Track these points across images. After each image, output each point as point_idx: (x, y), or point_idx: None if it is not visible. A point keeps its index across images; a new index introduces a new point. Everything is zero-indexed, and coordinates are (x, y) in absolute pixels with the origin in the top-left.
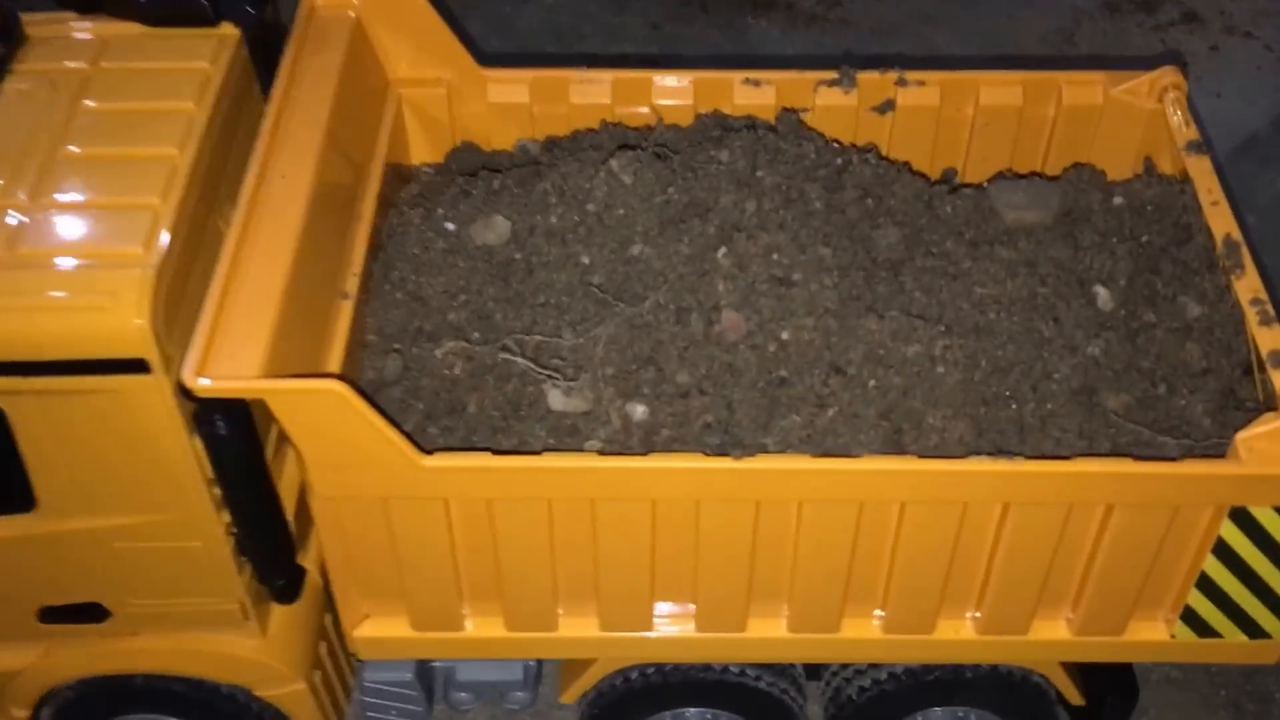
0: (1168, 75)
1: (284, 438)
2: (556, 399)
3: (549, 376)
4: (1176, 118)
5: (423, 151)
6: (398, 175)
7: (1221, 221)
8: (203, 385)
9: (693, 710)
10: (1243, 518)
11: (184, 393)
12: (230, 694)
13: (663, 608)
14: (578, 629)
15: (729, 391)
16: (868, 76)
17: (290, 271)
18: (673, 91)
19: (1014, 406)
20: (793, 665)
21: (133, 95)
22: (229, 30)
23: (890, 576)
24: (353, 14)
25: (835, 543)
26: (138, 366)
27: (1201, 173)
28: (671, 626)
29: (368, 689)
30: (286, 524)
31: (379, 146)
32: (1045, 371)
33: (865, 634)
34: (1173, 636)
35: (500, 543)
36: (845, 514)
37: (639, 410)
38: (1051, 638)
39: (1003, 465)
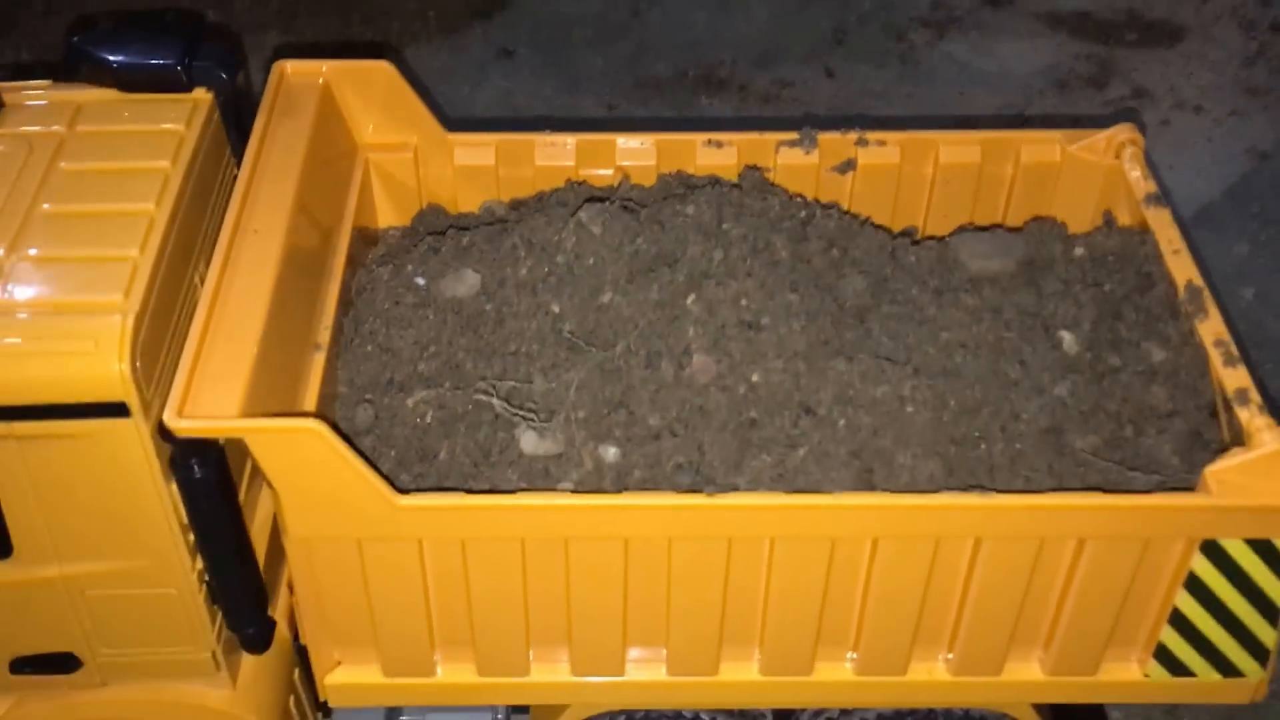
0: (1124, 132)
1: (255, 483)
2: (529, 442)
3: (523, 417)
4: (1135, 173)
5: (390, 215)
6: (365, 238)
7: (1183, 269)
8: (184, 425)
9: None
10: (1214, 551)
11: (163, 434)
12: None
13: (635, 653)
14: (549, 674)
15: (700, 433)
16: (828, 137)
17: (265, 321)
18: (636, 153)
19: (983, 446)
20: (763, 712)
21: (109, 155)
22: (202, 95)
23: (862, 617)
24: (321, 81)
25: (807, 581)
26: (117, 410)
27: (1162, 224)
28: (643, 672)
29: None
30: (258, 571)
31: (347, 209)
32: (1013, 412)
33: (838, 676)
34: (1146, 676)
35: (473, 585)
36: (817, 552)
37: (611, 452)
38: (1024, 679)
39: (975, 499)
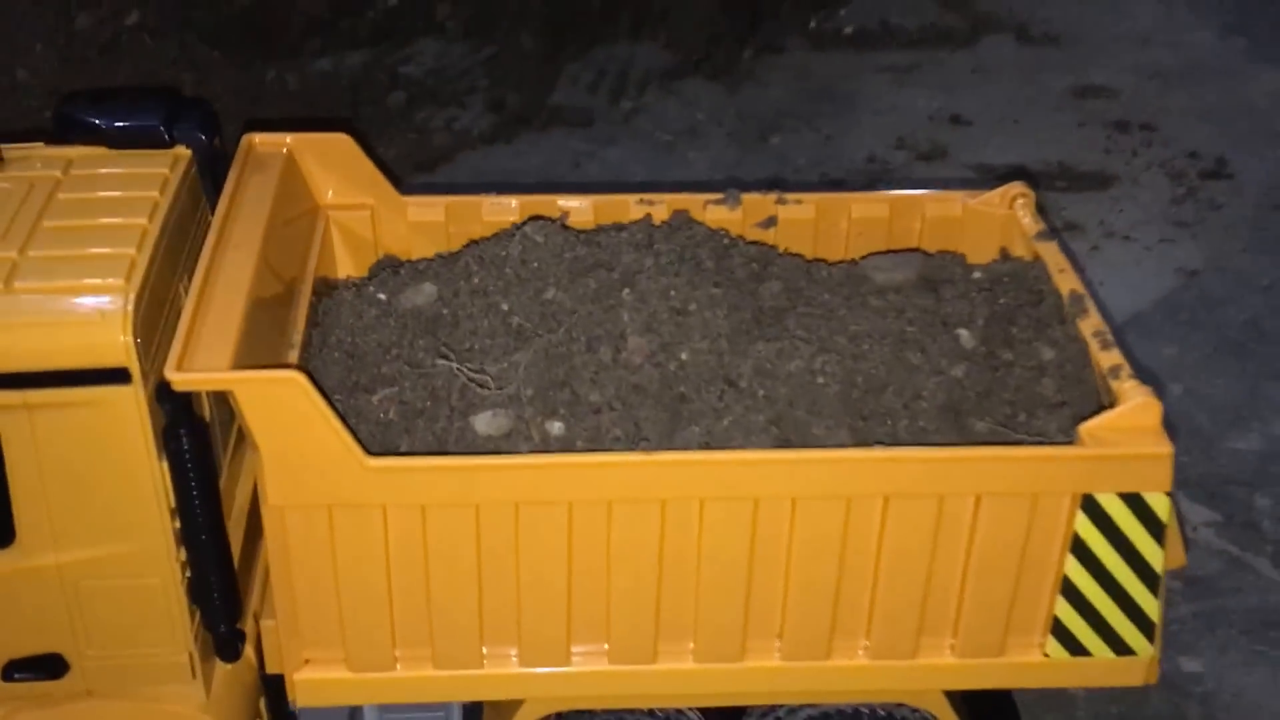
0: (1016, 187)
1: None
2: (483, 422)
3: (478, 383)
4: (1026, 216)
5: (348, 267)
6: (326, 286)
7: (1069, 283)
8: (183, 378)
9: None
10: (1093, 508)
11: (160, 395)
12: None
13: (579, 646)
14: (501, 665)
15: (636, 409)
16: (751, 197)
17: (247, 309)
18: (575, 211)
19: (889, 423)
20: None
21: (104, 188)
22: (182, 151)
23: (786, 594)
24: (285, 150)
25: (733, 550)
26: (120, 377)
27: (1050, 251)
28: (588, 663)
29: None
30: (233, 568)
31: (311, 255)
32: (915, 392)
33: (766, 662)
34: (1046, 655)
35: (431, 559)
36: (741, 514)
37: (556, 427)
38: (937, 662)
39: (880, 453)
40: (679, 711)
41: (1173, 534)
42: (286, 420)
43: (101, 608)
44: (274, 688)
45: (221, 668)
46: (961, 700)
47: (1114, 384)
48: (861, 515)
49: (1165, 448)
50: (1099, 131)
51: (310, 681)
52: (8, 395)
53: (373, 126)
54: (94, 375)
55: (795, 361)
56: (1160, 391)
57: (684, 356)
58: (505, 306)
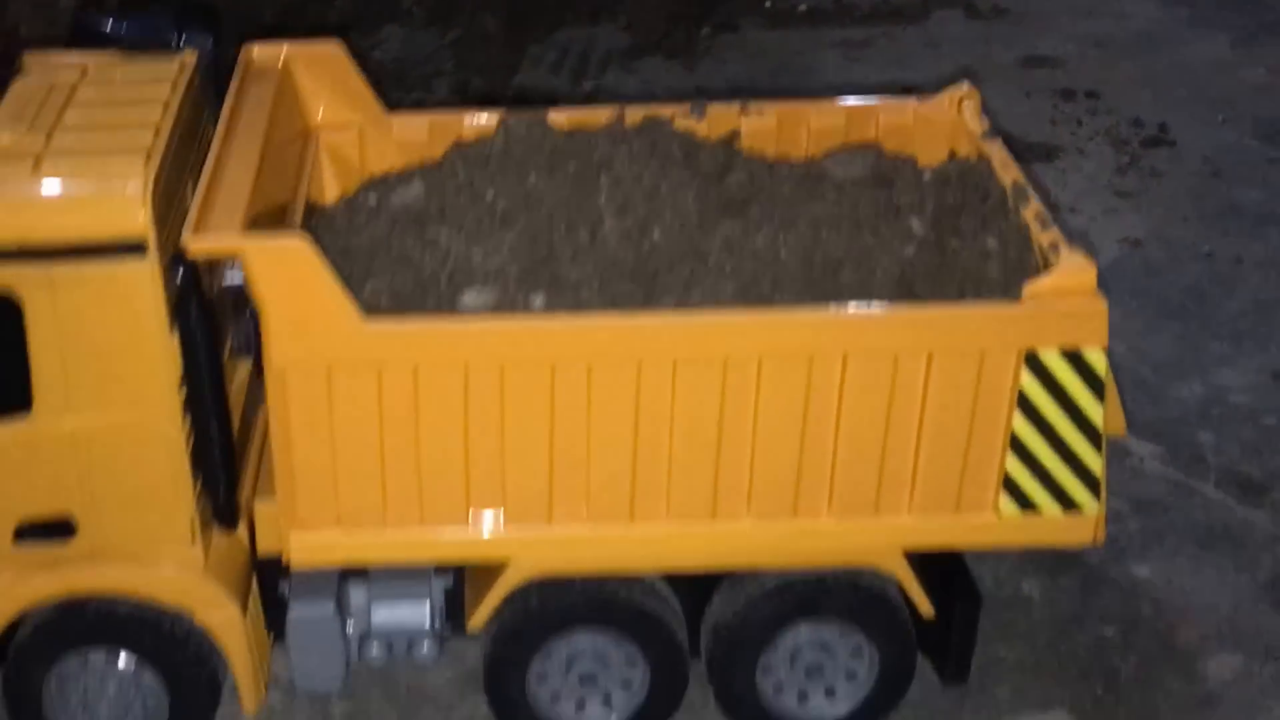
0: (962, 90)
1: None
2: (470, 297)
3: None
4: (971, 117)
5: (334, 193)
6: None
7: (1012, 174)
8: (199, 242)
9: (583, 634)
10: (1035, 365)
11: (175, 262)
12: (172, 623)
13: (560, 507)
14: (485, 527)
15: (612, 284)
16: (716, 108)
17: (253, 192)
18: (553, 121)
19: (846, 296)
20: (671, 597)
21: (119, 87)
22: (189, 56)
23: (753, 452)
24: (282, 60)
25: (705, 411)
26: (137, 250)
27: (996, 149)
28: (569, 524)
29: (292, 624)
30: (234, 436)
31: (302, 178)
32: (870, 269)
33: (737, 523)
34: (999, 512)
35: (422, 417)
36: (711, 376)
37: (539, 300)
38: (897, 521)
39: (840, 313)
40: (653, 585)
41: (1112, 399)
42: (291, 283)
43: (110, 472)
44: (265, 572)
45: (219, 539)
46: (920, 569)
47: (1053, 256)
48: (822, 374)
49: (1100, 305)
50: (1046, 100)
51: (305, 542)
52: (32, 268)
53: None
54: (113, 249)
55: (759, 238)
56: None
57: (656, 235)
58: (490, 195)
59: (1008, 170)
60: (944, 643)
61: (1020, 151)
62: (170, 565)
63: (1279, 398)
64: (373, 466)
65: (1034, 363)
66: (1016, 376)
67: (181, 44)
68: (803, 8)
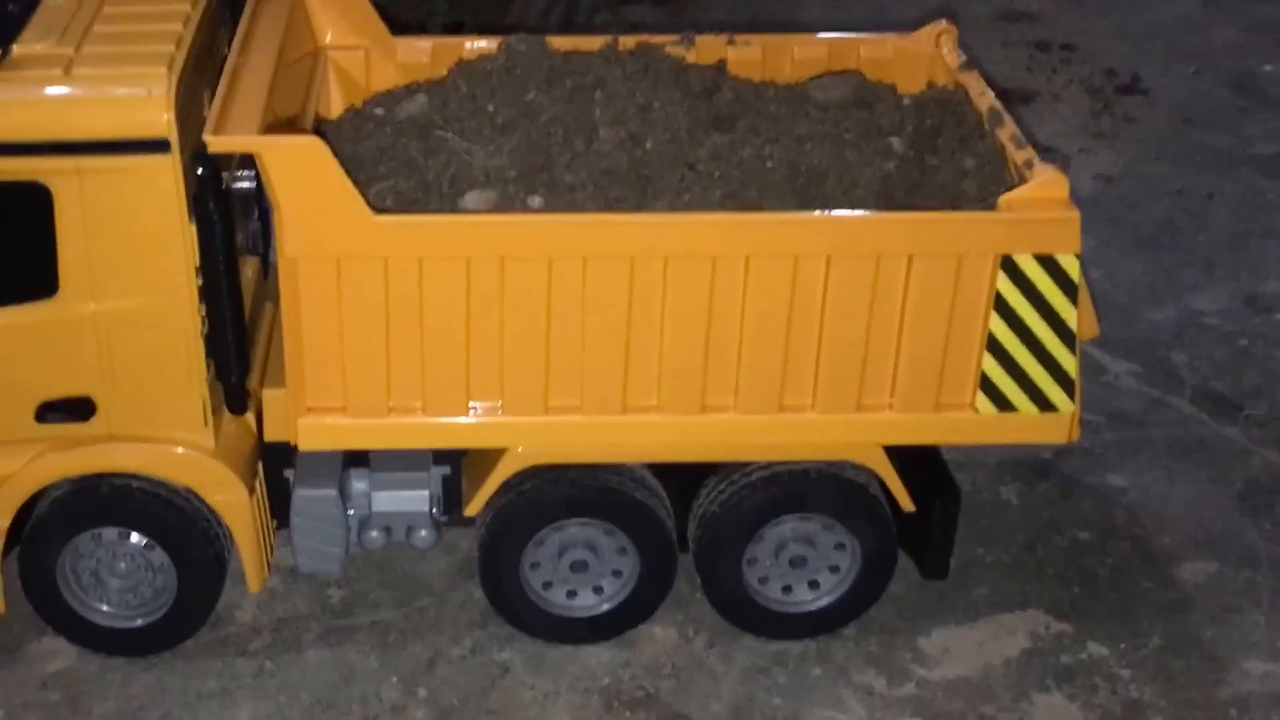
0: (940, 25)
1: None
2: (472, 199)
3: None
4: (949, 51)
5: (341, 109)
6: (322, 120)
7: (988, 102)
8: (219, 140)
9: (575, 522)
10: (1012, 270)
11: (196, 160)
12: (182, 503)
13: (556, 398)
14: (484, 415)
15: (607, 189)
16: (704, 38)
17: (269, 97)
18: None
19: (829, 204)
20: (661, 489)
21: (144, 3)
22: None
23: (741, 348)
24: None
25: (695, 303)
26: (161, 146)
27: (972, 79)
28: (563, 413)
29: (297, 504)
30: (245, 324)
31: (312, 93)
32: (853, 181)
33: (724, 415)
34: (976, 410)
35: (425, 308)
36: (701, 270)
37: (536, 201)
38: (878, 417)
39: (825, 216)
40: (643, 477)
41: (1085, 303)
42: (304, 179)
43: (130, 354)
44: (271, 459)
45: (228, 423)
46: (901, 468)
47: (1026, 171)
48: (807, 274)
49: (1073, 213)
50: (1021, 51)
51: (312, 426)
52: (63, 161)
53: None
54: (138, 145)
55: (746, 150)
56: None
57: (648, 145)
58: (490, 107)
59: (983, 98)
60: (924, 538)
61: (997, 94)
62: (182, 447)
63: (1251, 321)
64: (378, 355)
65: (1010, 267)
66: (993, 280)
67: None
68: None
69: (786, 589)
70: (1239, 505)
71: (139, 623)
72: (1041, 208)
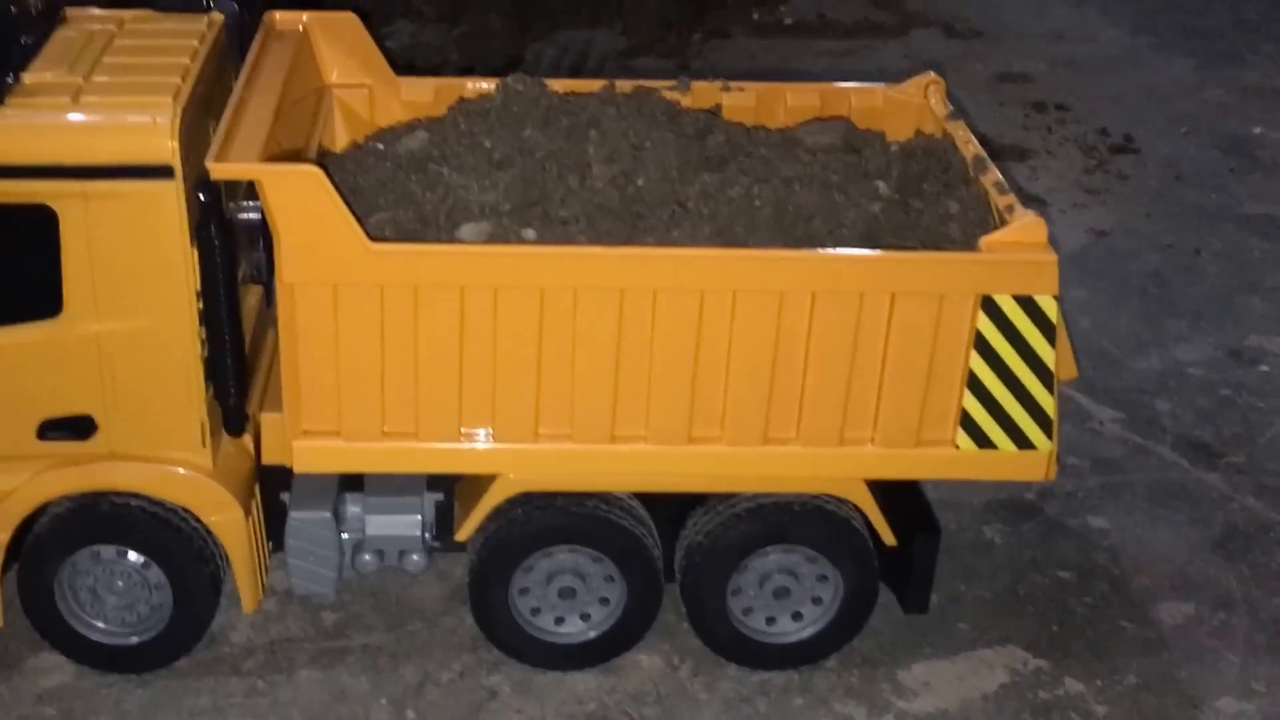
0: (928, 77)
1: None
2: (467, 231)
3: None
4: (937, 102)
5: (344, 143)
6: (326, 153)
7: (973, 150)
8: (221, 167)
9: (563, 549)
10: (991, 308)
11: (198, 188)
12: (179, 522)
13: (546, 426)
14: (476, 441)
15: (599, 223)
16: (700, 84)
17: (271, 128)
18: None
19: (816, 244)
20: (648, 519)
21: (153, 36)
22: (216, 16)
23: (728, 381)
24: (301, 26)
25: (682, 335)
26: (165, 173)
27: (958, 128)
28: (553, 442)
29: (291, 527)
30: (244, 347)
31: (315, 130)
32: (839, 221)
33: (711, 447)
34: (957, 447)
35: (420, 335)
36: (689, 304)
37: (530, 233)
38: (860, 451)
39: (810, 254)
40: (631, 506)
41: (1063, 344)
42: (303, 206)
43: (130, 374)
44: (268, 482)
45: (226, 445)
46: (883, 503)
47: (1009, 216)
48: (792, 309)
49: (1051, 255)
50: (1018, 111)
51: (307, 449)
52: (70, 185)
53: None
54: (143, 171)
55: (736, 189)
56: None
57: (640, 183)
58: (488, 144)
59: (969, 146)
60: (905, 573)
61: (993, 151)
62: (180, 467)
63: (1233, 373)
64: (372, 381)
65: (990, 307)
66: (974, 319)
67: (210, 7)
68: (789, 21)
69: (770, 620)
70: (1217, 549)
71: (134, 640)
72: (1021, 250)
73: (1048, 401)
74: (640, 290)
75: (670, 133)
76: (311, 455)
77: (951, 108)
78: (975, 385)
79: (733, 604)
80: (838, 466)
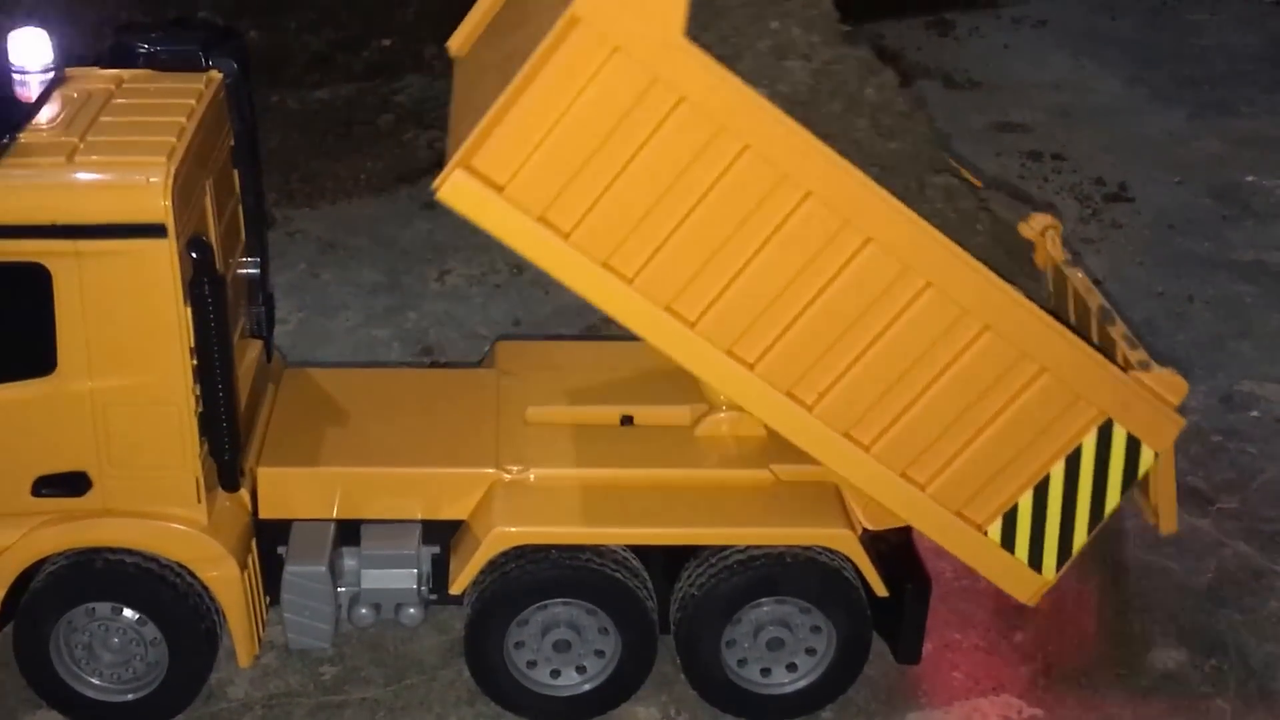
0: (1046, 219)
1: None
2: None
3: None
4: (1055, 248)
5: None
6: None
7: (1096, 299)
8: None
9: (558, 603)
10: (1104, 432)
11: (192, 246)
12: (175, 578)
13: (685, 305)
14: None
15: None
16: None
17: None
18: None
19: None
20: (643, 571)
21: (151, 95)
22: (215, 74)
23: (864, 356)
24: None
25: (867, 295)
26: (158, 232)
27: (1078, 276)
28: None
29: (287, 581)
30: (238, 403)
31: None
32: None
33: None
34: (984, 533)
35: (645, 148)
36: (888, 267)
37: None
38: (909, 492)
39: (1010, 289)
40: (625, 559)
41: (1169, 498)
42: None
43: (125, 430)
44: (264, 537)
45: (222, 500)
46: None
47: (1144, 374)
48: (962, 327)
49: (1181, 420)
50: (1014, 160)
51: (462, 184)
52: (63, 244)
53: (364, 142)
54: (137, 229)
55: None
56: None
57: None
58: None
59: (1091, 295)
60: (897, 623)
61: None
62: (175, 523)
63: (1225, 419)
64: (570, 164)
65: (1105, 429)
66: (1084, 431)
67: (208, 67)
68: None
69: (765, 671)
70: (1209, 595)
71: (130, 697)
72: (1158, 399)
73: (1081, 539)
74: (873, 242)
75: None
76: (461, 192)
77: (1068, 254)
78: (1040, 488)
79: (727, 656)
80: (884, 491)
